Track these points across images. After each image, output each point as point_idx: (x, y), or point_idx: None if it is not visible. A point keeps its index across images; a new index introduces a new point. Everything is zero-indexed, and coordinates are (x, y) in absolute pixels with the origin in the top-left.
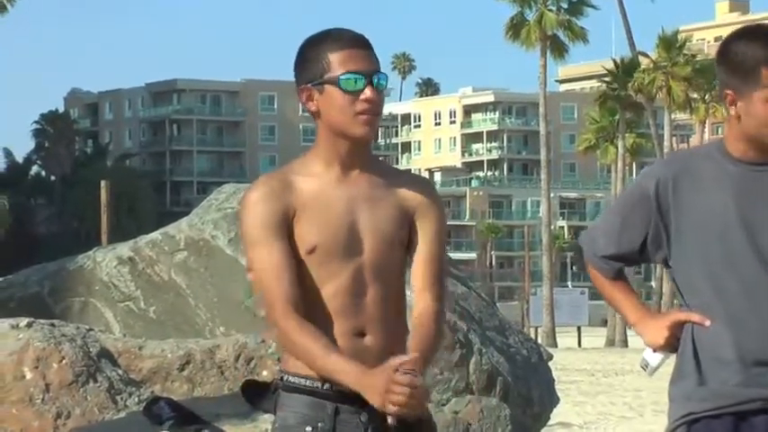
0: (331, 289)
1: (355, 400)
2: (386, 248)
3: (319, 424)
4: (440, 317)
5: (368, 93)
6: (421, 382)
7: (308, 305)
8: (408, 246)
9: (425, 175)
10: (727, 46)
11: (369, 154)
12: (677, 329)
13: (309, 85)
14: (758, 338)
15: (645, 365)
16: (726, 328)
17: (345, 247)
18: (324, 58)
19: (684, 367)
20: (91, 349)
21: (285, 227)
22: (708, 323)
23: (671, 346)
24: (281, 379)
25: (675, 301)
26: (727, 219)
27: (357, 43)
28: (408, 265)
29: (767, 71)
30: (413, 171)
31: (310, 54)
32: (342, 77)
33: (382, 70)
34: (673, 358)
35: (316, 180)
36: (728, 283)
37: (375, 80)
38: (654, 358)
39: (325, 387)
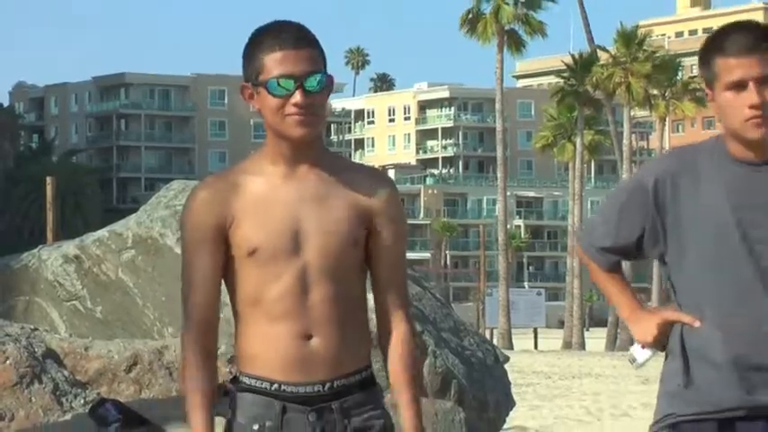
0: (274, 291)
1: (304, 400)
2: (335, 248)
3: (267, 422)
4: (412, 338)
5: (297, 97)
6: None
7: (252, 307)
8: (366, 245)
9: None
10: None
11: (318, 151)
12: (667, 328)
13: (249, 83)
14: (748, 341)
15: (632, 360)
16: (716, 330)
17: (288, 248)
18: (259, 59)
19: (672, 366)
20: (36, 349)
21: (219, 236)
22: (697, 324)
23: (659, 343)
24: (235, 380)
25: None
26: (723, 219)
27: (293, 43)
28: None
29: (720, 59)
30: None
31: (249, 52)
32: (270, 82)
33: (328, 66)
34: (660, 356)
35: (262, 179)
36: (721, 284)
37: (307, 82)
38: (642, 354)
39: (273, 387)
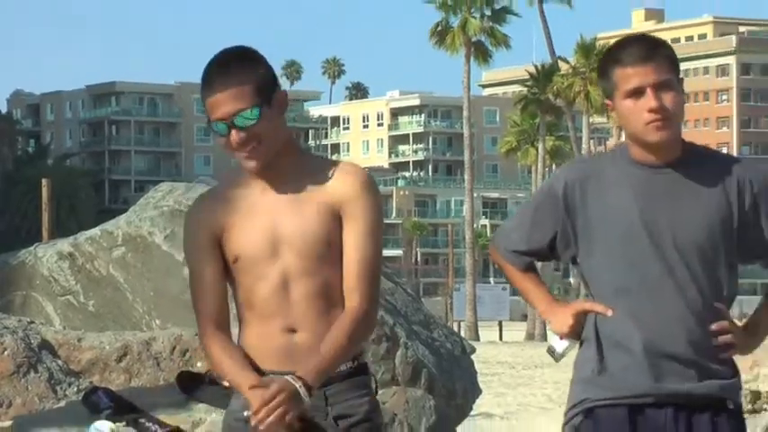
0: (260, 292)
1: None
2: (310, 248)
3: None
4: (362, 316)
5: (233, 136)
6: (289, 418)
7: (243, 308)
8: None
9: None
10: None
11: (290, 160)
12: (582, 318)
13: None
14: (658, 332)
15: (552, 351)
16: (628, 319)
17: (267, 253)
18: (203, 101)
19: (587, 353)
20: (32, 341)
21: (214, 247)
22: (610, 313)
23: (576, 333)
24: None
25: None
26: (630, 219)
27: (218, 88)
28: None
29: (618, 70)
30: None
31: (201, 94)
32: (212, 125)
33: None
34: (578, 345)
35: (243, 191)
36: (631, 280)
37: (237, 121)
38: (560, 345)
39: (263, 376)
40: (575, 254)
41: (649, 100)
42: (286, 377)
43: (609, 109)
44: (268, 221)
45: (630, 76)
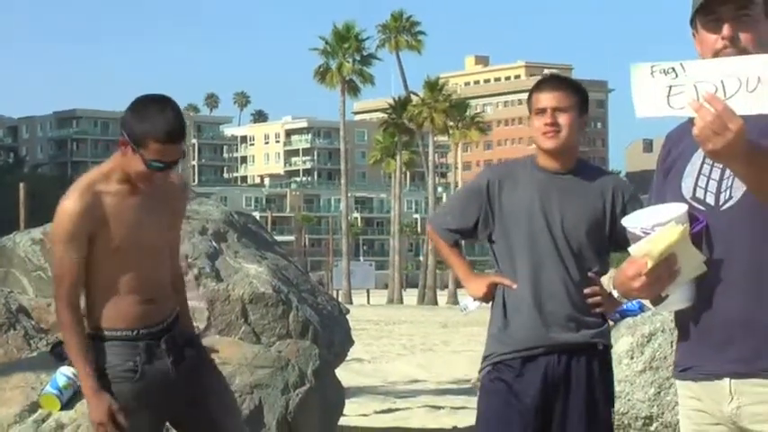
0: (130, 272)
1: (156, 335)
2: (160, 239)
3: (137, 358)
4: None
5: (158, 175)
6: None
7: (113, 283)
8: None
9: (257, 180)
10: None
11: (155, 176)
12: (493, 287)
13: (128, 140)
14: (548, 293)
15: (464, 308)
16: (525, 287)
17: (136, 242)
18: (145, 138)
19: (496, 313)
20: (11, 306)
21: (89, 236)
22: (515, 286)
23: (486, 298)
24: (94, 336)
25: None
26: (533, 210)
27: (171, 139)
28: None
29: (535, 94)
30: (248, 178)
31: (137, 128)
32: (151, 162)
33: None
34: (485, 307)
35: (115, 195)
36: (530, 254)
37: (172, 167)
38: (472, 305)
39: (134, 332)
40: (491, 232)
41: (546, 117)
42: None
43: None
44: (135, 219)
45: (540, 99)
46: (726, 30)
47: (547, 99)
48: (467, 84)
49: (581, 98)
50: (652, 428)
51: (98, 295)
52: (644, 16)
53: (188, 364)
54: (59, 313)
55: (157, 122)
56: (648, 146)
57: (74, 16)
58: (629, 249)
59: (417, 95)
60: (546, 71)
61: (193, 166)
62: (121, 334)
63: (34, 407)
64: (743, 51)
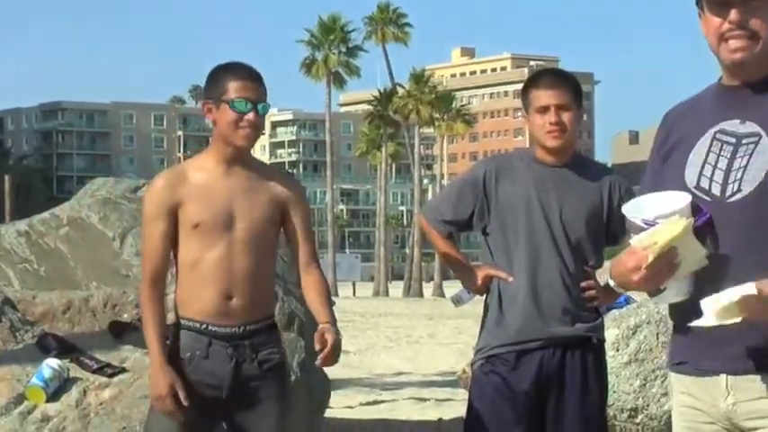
0: (210, 257)
1: (225, 337)
2: (257, 228)
3: (197, 352)
4: (323, 274)
5: (250, 116)
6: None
7: (194, 266)
8: (283, 227)
9: None
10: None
11: (248, 156)
12: (489, 280)
13: (210, 101)
14: (544, 286)
15: (458, 300)
16: (522, 279)
17: (222, 224)
18: (224, 83)
19: (491, 305)
20: None
21: (171, 212)
22: (511, 279)
23: (481, 290)
24: (177, 323)
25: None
26: (530, 201)
27: (251, 78)
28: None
29: (533, 91)
30: None
31: (214, 78)
32: (235, 100)
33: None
34: (478, 299)
35: (205, 173)
36: (528, 246)
37: (259, 107)
38: (466, 297)
39: (202, 326)
40: (486, 224)
41: (551, 115)
42: (331, 328)
43: (525, 120)
44: (226, 200)
45: (541, 96)
46: (733, 14)
47: (549, 96)
48: (453, 76)
49: (578, 92)
50: (637, 420)
51: (182, 275)
52: (630, 8)
53: (248, 396)
54: (140, 287)
55: (231, 66)
56: (635, 137)
57: (60, 5)
58: (631, 240)
59: (403, 87)
60: (532, 63)
61: (179, 157)
62: (190, 324)
63: (20, 399)
64: (753, 36)
